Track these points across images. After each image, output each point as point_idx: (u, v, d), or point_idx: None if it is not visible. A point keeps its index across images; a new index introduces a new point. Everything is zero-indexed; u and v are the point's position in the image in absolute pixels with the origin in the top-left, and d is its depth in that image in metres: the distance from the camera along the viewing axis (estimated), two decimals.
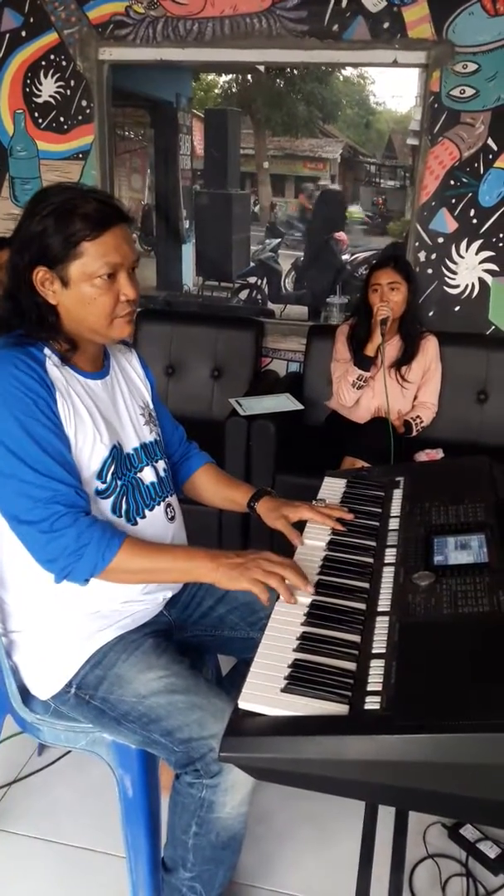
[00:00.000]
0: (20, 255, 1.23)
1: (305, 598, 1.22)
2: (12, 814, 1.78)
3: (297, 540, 1.39)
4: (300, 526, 1.44)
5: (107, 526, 1.24)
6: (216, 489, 1.60)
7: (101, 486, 1.30)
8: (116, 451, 1.33)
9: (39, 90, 3.16)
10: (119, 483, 1.33)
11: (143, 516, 1.37)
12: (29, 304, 1.25)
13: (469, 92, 2.78)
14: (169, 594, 1.45)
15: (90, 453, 1.28)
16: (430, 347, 2.82)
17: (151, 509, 1.39)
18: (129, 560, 1.22)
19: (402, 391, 2.77)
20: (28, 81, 3.16)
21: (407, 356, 2.77)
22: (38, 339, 1.26)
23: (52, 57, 3.11)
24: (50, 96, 3.16)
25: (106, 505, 1.31)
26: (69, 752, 1.89)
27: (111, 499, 1.31)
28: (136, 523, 1.35)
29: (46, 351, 1.26)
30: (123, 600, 1.34)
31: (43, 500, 1.18)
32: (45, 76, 3.14)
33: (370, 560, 1.33)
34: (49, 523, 1.18)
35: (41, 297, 1.25)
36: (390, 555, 1.33)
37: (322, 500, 1.50)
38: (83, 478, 1.27)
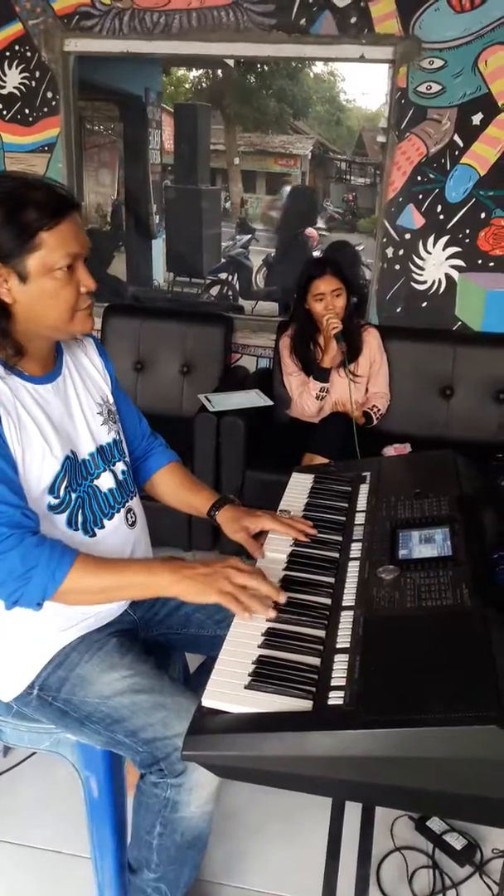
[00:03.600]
0: None
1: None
2: None
3: (257, 553, 1.33)
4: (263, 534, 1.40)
5: (56, 544, 1.16)
6: (177, 492, 1.54)
7: (54, 501, 1.25)
8: (69, 462, 1.27)
9: (4, 81, 3.11)
10: (73, 496, 1.28)
11: (102, 526, 1.33)
12: None
13: (435, 88, 2.80)
14: None
15: (40, 469, 1.22)
16: (371, 339, 2.84)
17: (111, 518, 1.35)
18: (82, 579, 1.15)
19: (355, 386, 2.78)
20: None
21: (353, 353, 2.77)
22: None
23: (17, 48, 3.06)
24: (15, 87, 3.11)
25: (60, 520, 1.26)
26: (34, 753, 1.87)
27: (66, 513, 1.27)
28: (94, 535, 1.31)
29: None
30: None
31: None
32: (10, 67, 3.09)
33: (336, 555, 1.33)
34: None
35: None
36: (356, 549, 1.33)
37: (287, 511, 1.44)
38: (33, 494, 1.22)
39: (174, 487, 1.55)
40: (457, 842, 1.67)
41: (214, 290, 7.08)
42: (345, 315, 2.71)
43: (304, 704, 0.95)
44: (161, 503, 1.57)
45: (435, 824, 1.71)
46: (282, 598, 1.15)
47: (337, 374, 2.73)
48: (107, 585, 1.18)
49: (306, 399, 2.76)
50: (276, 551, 1.34)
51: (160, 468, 1.55)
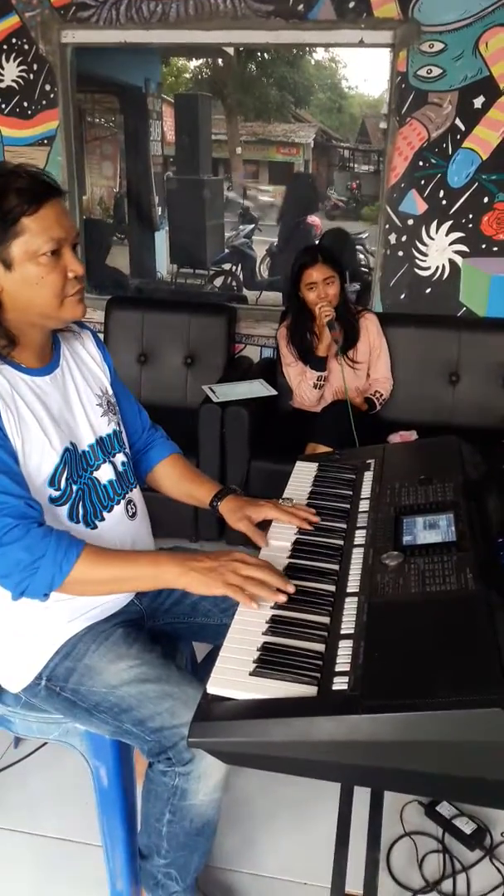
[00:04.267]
0: None
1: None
2: None
3: (261, 541, 1.33)
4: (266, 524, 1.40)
5: (63, 535, 1.16)
6: (179, 484, 1.54)
7: (55, 493, 1.25)
8: (69, 454, 1.27)
9: (1, 75, 3.10)
10: (74, 488, 1.28)
11: (102, 519, 1.33)
12: None
13: (436, 72, 2.77)
14: None
15: (40, 461, 1.22)
16: (370, 325, 2.83)
17: (110, 510, 1.35)
18: (89, 570, 1.15)
19: (355, 373, 2.79)
20: None
21: (351, 340, 2.77)
22: None
23: (14, 40, 3.05)
24: (13, 81, 3.10)
25: (62, 512, 1.26)
26: (45, 744, 1.88)
27: (67, 505, 1.27)
28: (95, 527, 1.31)
29: None
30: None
31: None
32: (7, 60, 3.08)
33: (340, 542, 1.33)
34: None
35: None
36: (360, 536, 1.33)
37: (289, 500, 1.44)
38: (34, 486, 1.22)
39: (176, 479, 1.55)
40: (466, 826, 1.67)
41: (218, 282, 7.07)
42: (339, 302, 2.70)
43: (309, 690, 0.96)
44: (163, 495, 1.57)
45: (444, 809, 1.71)
46: (290, 588, 1.15)
47: (335, 361, 2.73)
48: (113, 577, 1.18)
49: (305, 389, 2.76)
50: (281, 539, 1.34)
51: (162, 460, 1.55)
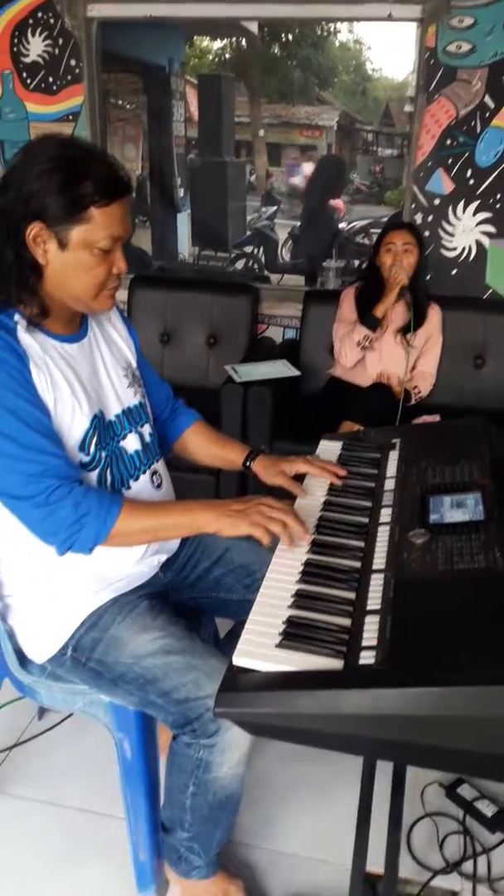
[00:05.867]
0: (14, 204, 1.14)
1: (301, 556, 1.21)
2: (13, 776, 1.79)
3: (298, 491, 1.40)
4: (297, 480, 1.44)
5: (102, 492, 1.22)
6: (208, 448, 1.57)
7: (86, 459, 1.26)
8: (98, 421, 1.28)
9: (27, 49, 3.08)
10: (103, 454, 1.29)
11: (129, 487, 1.34)
12: (12, 260, 1.17)
13: (465, 47, 2.72)
14: (164, 557, 1.44)
15: (70, 425, 1.23)
16: (434, 316, 2.80)
17: (136, 479, 1.36)
18: (130, 522, 1.21)
19: (406, 357, 2.75)
20: (15, 41, 3.08)
21: (414, 322, 2.74)
22: (9, 299, 1.19)
23: (40, 15, 3.03)
24: (38, 56, 3.08)
25: (91, 477, 1.28)
26: (69, 716, 1.90)
27: (96, 471, 1.28)
28: (121, 495, 1.32)
29: (17, 317, 1.19)
30: (118, 564, 1.33)
31: (34, 475, 1.15)
32: (33, 35, 3.06)
33: (365, 520, 1.32)
34: (44, 497, 1.15)
35: (29, 254, 1.17)
36: (385, 514, 1.32)
37: (317, 457, 1.51)
38: (66, 444, 1.23)
39: (205, 443, 1.58)
40: (488, 808, 1.67)
41: (240, 264, 7.04)
42: (414, 277, 2.69)
43: (335, 664, 0.96)
44: (192, 461, 1.60)
45: (465, 791, 1.71)
46: (307, 538, 1.23)
47: (393, 339, 2.70)
48: (151, 526, 1.25)
49: (348, 345, 2.73)
50: (314, 493, 1.42)
51: (188, 427, 1.58)
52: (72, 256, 1.18)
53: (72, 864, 1.58)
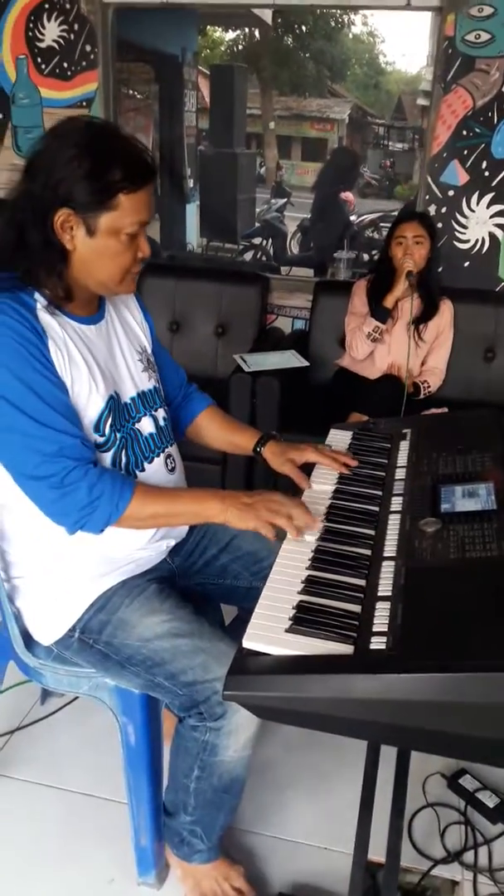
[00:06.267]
0: (43, 190, 1.14)
1: (311, 543, 1.21)
2: (15, 760, 1.79)
3: (304, 483, 1.39)
4: (306, 470, 1.43)
5: (116, 475, 1.22)
6: (220, 433, 1.57)
7: (101, 440, 1.26)
8: (113, 402, 1.28)
9: (42, 34, 3.07)
10: (118, 435, 1.29)
11: (143, 469, 1.34)
12: (39, 245, 1.17)
13: (484, 37, 2.69)
14: (172, 542, 1.43)
15: (86, 404, 1.23)
16: (446, 311, 2.79)
17: (151, 461, 1.36)
18: (141, 507, 1.21)
19: (416, 350, 2.74)
20: (31, 25, 3.07)
21: (425, 315, 2.74)
22: (31, 283, 1.19)
23: None
24: (53, 41, 3.07)
25: (106, 458, 1.27)
26: (71, 701, 1.91)
27: (111, 452, 1.28)
28: (135, 477, 1.32)
29: (37, 296, 1.19)
30: (126, 548, 1.33)
31: (51, 455, 1.15)
32: (49, 20, 3.05)
33: (376, 508, 1.32)
34: (59, 478, 1.15)
35: (57, 239, 1.17)
36: (396, 503, 1.32)
37: (328, 446, 1.50)
38: (82, 423, 1.23)
39: (217, 428, 1.58)
40: (489, 800, 1.67)
41: (248, 256, 7.01)
42: (425, 270, 2.68)
43: (345, 649, 0.95)
44: (203, 445, 1.60)
45: (468, 782, 1.71)
46: (318, 525, 1.23)
47: (404, 331, 2.69)
48: (162, 512, 1.25)
49: (358, 338, 2.72)
50: (323, 483, 1.41)
51: (201, 412, 1.57)
52: (100, 243, 1.18)
53: (72, 847, 1.58)
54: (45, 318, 1.19)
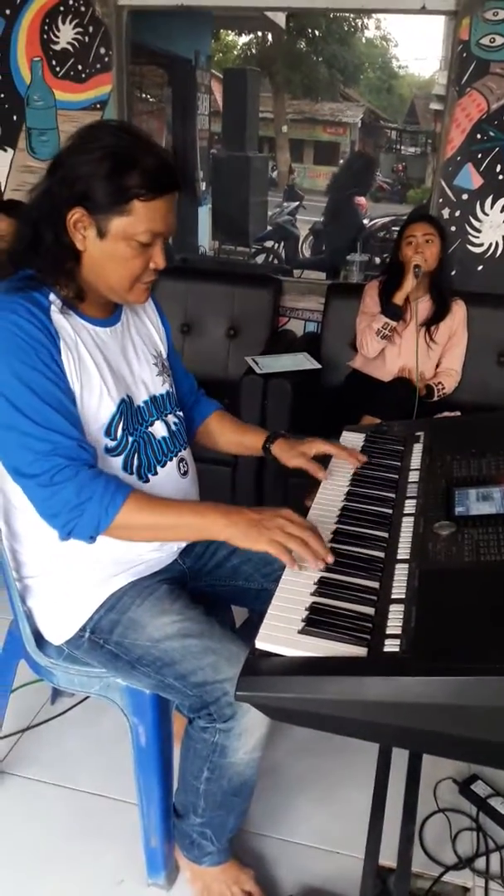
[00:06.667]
0: (60, 187, 1.14)
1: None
2: (25, 759, 1.79)
3: (320, 473, 1.40)
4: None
5: (111, 480, 1.16)
6: (229, 435, 1.58)
7: (112, 444, 1.25)
8: (125, 406, 1.27)
9: (57, 37, 3.08)
10: (130, 439, 1.28)
11: (156, 473, 1.33)
12: (51, 242, 1.17)
13: (499, 41, 2.68)
14: (183, 543, 1.43)
15: (97, 408, 1.23)
16: (458, 312, 2.78)
17: (164, 465, 1.35)
18: (134, 516, 1.15)
19: (428, 352, 2.73)
20: (46, 28, 3.09)
21: (437, 316, 2.73)
22: (45, 282, 1.19)
23: (71, 2, 3.02)
24: (68, 43, 3.08)
25: (117, 462, 1.27)
26: (81, 701, 1.91)
27: (122, 456, 1.27)
28: (147, 480, 1.32)
29: (52, 297, 1.19)
30: (137, 549, 1.32)
31: (43, 453, 1.13)
32: (64, 22, 3.06)
33: (389, 511, 1.31)
34: (49, 476, 1.13)
35: (69, 238, 1.17)
36: (410, 506, 1.31)
37: (337, 442, 1.52)
38: (90, 434, 1.22)
39: (225, 431, 1.59)
40: (502, 806, 1.65)
41: (260, 259, 7.02)
42: (437, 270, 2.68)
43: (359, 651, 0.95)
44: (212, 448, 1.61)
45: (479, 788, 1.69)
46: (329, 558, 1.13)
47: (416, 333, 2.68)
48: (158, 524, 1.18)
49: (368, 336, 2.72)
50: (336, 482, 1.42)
51: (209, 415, 1.58)
52: (110, 246, 1.17)
53: (82, 847, 1.58)
54: (59, 320, 1.19)
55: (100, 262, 1.19)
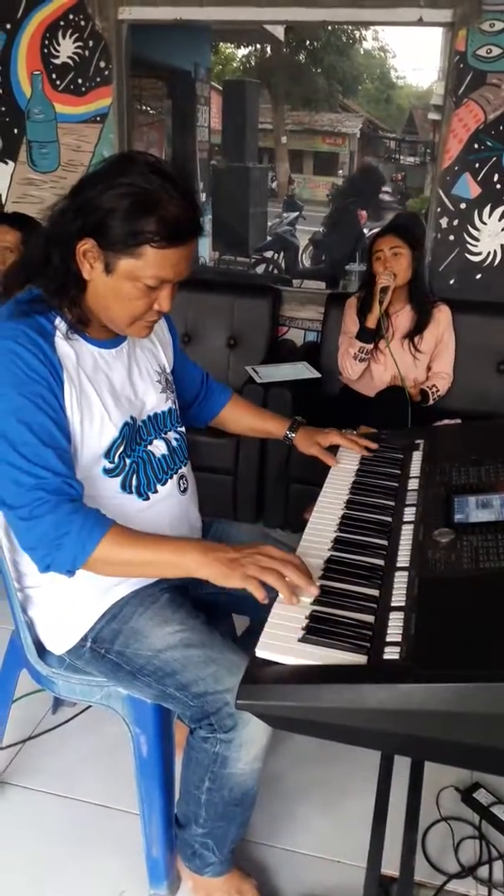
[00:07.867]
0: (77, 213, 1.13)
1: (323, 553, 1.21)
2: (27, 769, 1.79)
3: (331, 461, 1.55)
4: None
5: (90, 514, 1.14)
6: (249, 420, 1.68)
7: (109, 465, 1.26)
8: (127, 428, 1.28)
9: (57, 51, 3.11)
10: (128, 461, 1.29)
11: (156, 491, 1.34)
12: (59, 267, 1.16)
13: (496, 51, 2.71)
14: None
15: (99, 434, 1.23)
16: (442, 317, 2.78)
17: (164, 483, 1.36)
18: (113, 551, 1.13)
19: (415, 361, 2.74)
20: (46, 42, 3.12)
21: (419, 326, 2.73)
22: (51, 304, 1.18)
23: (71, 17, 3.06)
24: (68, 57, 3.11)
25: (115, 483, 1.27)
26: (83, 711, 1.90)
27: (120, 477, 1.28)
28: (147, 499, 1.32)
29: (57, 321, 1.19)
30: None
31: (27, 486, 1.11)
32: (64, 37, 3.09)
33: (388, 519, 1.32)
34: (28, 510, 1.11)
35: (76, 265, 1.16)
36: (409, 514, 1.32)
37: (351, 430, 1.70)
38: (91, 454, 1.22)
39: (244, 416, 1.68)
40: None
41: (260, 269, 7.04)
42: (413, 282, 2.68)
43: (359, 659, 0.95)
44: (229, 431, 1.73)
45: (482, 796, 1.69)
46: (313, 589, 1.09)
47: (400, 345, 2.69)
48: (136, 559, 1.15)
49: (347, 360, 2.74)
50: (348, 463, 1.57)
51: (226, 404, 1.67)
52: (115, 283, 1.16)
53: (84, 857, 1.58)
54: (62, 347, 1.19)
55: (103, 295, 1.18)
